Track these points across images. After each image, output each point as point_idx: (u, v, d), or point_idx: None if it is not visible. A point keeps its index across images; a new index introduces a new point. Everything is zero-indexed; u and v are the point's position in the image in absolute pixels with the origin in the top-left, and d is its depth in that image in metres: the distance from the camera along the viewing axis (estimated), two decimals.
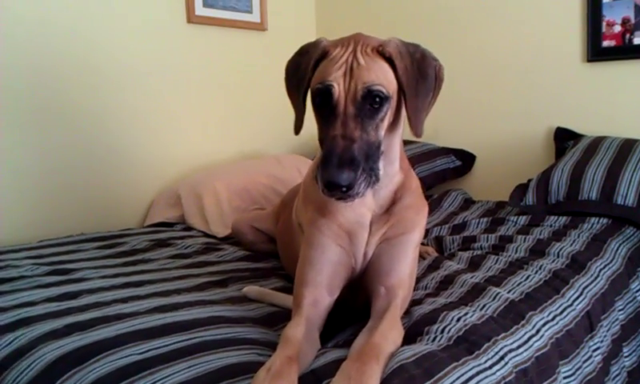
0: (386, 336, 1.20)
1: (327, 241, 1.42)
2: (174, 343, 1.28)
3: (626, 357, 1.84)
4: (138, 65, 2.93)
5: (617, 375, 1.75)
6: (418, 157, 3.04)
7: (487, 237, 2.16)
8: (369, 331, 1.25)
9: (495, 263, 1.85)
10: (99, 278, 1.83)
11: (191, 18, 3.13)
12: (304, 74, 1.35)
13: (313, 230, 1.44)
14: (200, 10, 3.16)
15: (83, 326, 1.38)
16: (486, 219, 2.46)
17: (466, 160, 3.18)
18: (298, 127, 1.49)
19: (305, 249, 1.45)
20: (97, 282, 1.78)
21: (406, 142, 3.12)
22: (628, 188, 2.30)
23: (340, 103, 1.25)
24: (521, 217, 2.41)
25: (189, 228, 2.68)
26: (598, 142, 2.56)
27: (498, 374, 1.22)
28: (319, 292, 1.37)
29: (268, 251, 2.19)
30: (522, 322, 1.42)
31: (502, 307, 1.46)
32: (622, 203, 2.30)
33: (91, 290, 1.68)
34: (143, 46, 2.95)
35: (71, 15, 2.67)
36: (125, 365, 1.19)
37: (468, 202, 2.91)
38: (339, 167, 1.17)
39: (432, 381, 1.10)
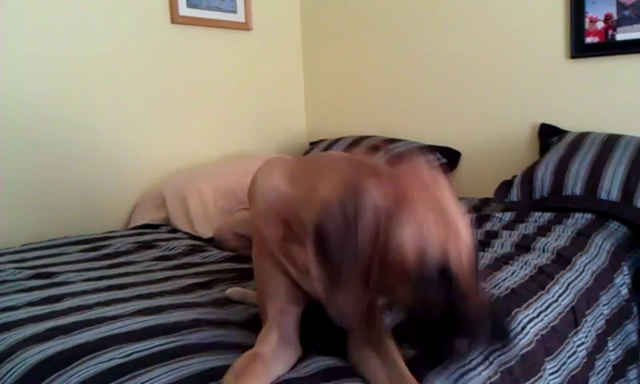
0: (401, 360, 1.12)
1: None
2: (157, 346, 1.27)
3: (611, 351, 1.84)
4: (120, 66, 2.91)
5: (602, 369, 1.75)
6: (404, 154, 3.03)
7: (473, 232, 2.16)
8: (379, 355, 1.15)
9: (481, 259, 1.85)
10: (82, 281, 1.81)
11: (175, 18, 3.11)
12: (368, 243, 1.05)
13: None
14: (184, 10, 3.14)
15: (65, 329, 1.37)
16: (470, 216, 2.46)
17: (451, 157, 3.18)
18: (356, 315, 1.08)
19: (256, 262, 1.41)
20: (80, 285, 1.77)
21: (391, 140, 3.16)
22: (612, 183, 2.31)
23: (460, 273, 1.05)
24: (506, 213, 2.41)
25: (174, 230, 2.66)
26: (581, 137, 2.57)
27: (484, 374, 1.20)
28: (282, 304, 1.30)
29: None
30: (507, 320, 1.42)
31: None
32: (606, 198, 2.31)
33: (74, 294, 1.66)
34: (126, 47, 2.93)
35: (52, 16, 2.64)
36: (107, 368, 1.18)
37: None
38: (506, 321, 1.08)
39: None
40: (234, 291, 1.70)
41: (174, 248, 2.29)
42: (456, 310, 1.03)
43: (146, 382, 1.12)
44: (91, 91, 2.79)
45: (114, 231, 2.63)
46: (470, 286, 1.06)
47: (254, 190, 1.38)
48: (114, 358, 1.22)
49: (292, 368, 1.18)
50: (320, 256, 1.05)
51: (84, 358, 1.22)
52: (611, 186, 2.31)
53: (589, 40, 2.77)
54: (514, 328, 1.09)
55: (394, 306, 1.12)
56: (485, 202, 2.78)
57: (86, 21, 2.76)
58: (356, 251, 1.03)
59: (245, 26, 3.48)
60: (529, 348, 1.38)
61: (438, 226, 1.04)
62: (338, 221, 1.04)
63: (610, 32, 2.72)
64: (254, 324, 1.47)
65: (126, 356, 1.23)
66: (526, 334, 1.41)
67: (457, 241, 1.05)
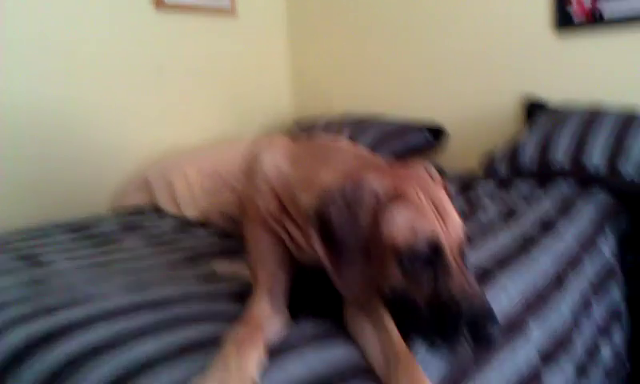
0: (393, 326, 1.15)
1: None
2: (144, 320, 1.28)
3: (595, 312, 1.86)
4: (105, 52, 2.89)
5: (586, 329, 1.77)
6: (390, 132, 3.04)
7: (458, 203, 2.18)
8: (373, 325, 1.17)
9: (466, 228, 1.86)
10: (68, 262, 1.81)
11: (159, 4, 3.09)
12: (369, 227, 1.13)
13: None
14: None
15: (51, 308, 1.37)
16: (457, 188, 2.48)
17: (438, 134, 3.18)
18: (363, 291, 1.15)
19: (248, 229, 1.45)
20: (65, 265, 1.76)
21: (379, 117, 3.16)
22: (596, 152, 2.32)
23: (448, 255, 1.12)
24: (491, 184, 2.42)
25: (160, 212, 2.65)
26: (566, 109, 2.58)
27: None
28: (274, 269, 1.36)
29: (242, 235, 2.18)
30: (491, 283, 1.43)
31: (472, 271, 1.47)
32: (591, 168, 2.32)
33: (59, 274, 1.66)
34: (111, 33, 2.91)
35: (36, 1, 2.62)
36: (94, 343, 1.19)
37: (440, 173, 2.91)
38: (495, 324, 1.08)
39: None
40: (221, 265, 1.71)
41: (160, 228, 2.29)
42: (442, 291, 1.09)
43: (133, 353, 1.13)
44: (76, 77, 2.77)
45: (99, 215, 2.62)
46: (457, 267, 1.12)
47: (255, 163, 1.44)
48: (100, 333, 1.22)
49: (281, 333, 1.20)
50: (323, 239, 1.13)
51: (70, 335, 1.22)
52: (596, 155, 2.32)
53: (574, 14, 2.77)
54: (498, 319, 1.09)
55: (385, 288, 1.14)
56: (472, 175, 2.78)
57: (71, 6, 2.74)
58: (357, 232, 1.11)
59: (230, 11, 3.46)
60: (513, 310, 1.40)
61: (430, 210, 1.13)
62: (340, 206, 1.13)
63: (595, 4, 2.71)
64: (242, 295, 1.47)
65: (113, 331, 1.23)
66: (509, 297, 1.42)
67: (447, 225, 1.13)
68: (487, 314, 1.08)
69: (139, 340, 1.18)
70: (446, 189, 1.27)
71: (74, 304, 1.39)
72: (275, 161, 1.40)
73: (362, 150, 1.48)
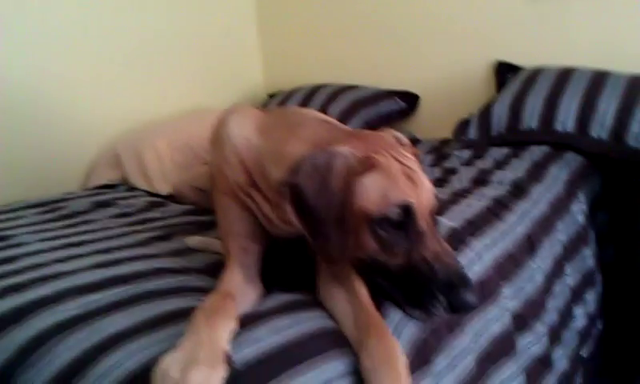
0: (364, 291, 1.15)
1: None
2: (114, 295, 1.27)
3: (568, 276, 1.88)
4: (69, 23, 2.83)
5: (560, 293, 1.79)
6: (362, 101, 3.03)
7: (431, 170, 2.18)
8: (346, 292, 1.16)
9: (439, 194, 1.86)
10: (38, 242, 1.77)
11: None
12: (342, 194, 1.10)
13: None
14: None
15: (20, 286, 1.35)
16: (431, 156, 2.48)
17: (411, 101, 3.17)
18: (342, 255, 1.13)
19: (218, 200, 1.43)
20: (36, 245, 1.73)
21: (350, 87, 3.15)
22: (567, 115, 2.32)
23: (421, 220, 1.12)
24: (465, 151, 2.43)
25: (131, 188, 2.63)
26: (536, 72, 2.58)
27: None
28: (245, 241, 1.34)
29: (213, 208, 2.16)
30: (463, 247, 1.44)
31: (444, 235, 1.47)
32: (562, 130, 2.33)
33: (29, 253, 1.63)
34: (75, 3, 2.84)
35: None
36: (63, 319, 1.18)
37: (413, 142, 2.91)
38: (472, 289, 1.08)
39: None
40: (193, 240, 1.69)
41: (132, 205, 2.27)
42: (416, 256, 1.10)
43: (103, 328, 1.12)
44: (39, 49, 2.71)
45: (70, 192, 2.58)
46: (430, 232, 1.12)
47: (223, 133, 1.40)
48: (69, 309, 1.21)
49: (254, 304, 1.20)
50: (298, 210, 1.12)
51: (38, 311, 1.21)
52: (567, 118, 2.33)
53: None
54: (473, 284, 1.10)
55: (359, 256, 1.14)
56: (445, 142, 2.78)
57: None
58: (330, 202, 1.10)
59: None
60: (485, 274, 1.41)
61: (402, 176, 1.13)
62: (312, 175, 1.11)
63: None
64: (214, 270, 1.47)
65: (83, 306, 1.22)
66: (481, 260, 1.43)
67: (418, 190, 1.13)
68: (462, 278, 1.09)
69: (109, 315, 1.17)
70: (416, 155, 1.26)
71: (44, 281, 1.37)
72: (244, 132, 1.37)
73: (332, 119, 1.47)
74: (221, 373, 0.89)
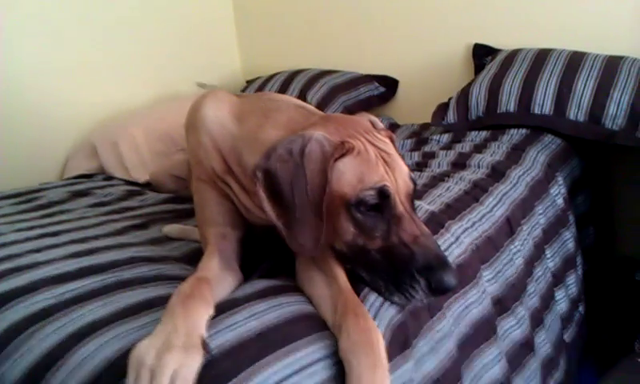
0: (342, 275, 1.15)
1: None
2: (90, 284, 1.26)
3: (549, 259, 1.89)
4: (42, 12, 2.79)
5: (541, 276, 1.79)
6: (341, 86, 3.02)
7: (411, 155, 2.18)
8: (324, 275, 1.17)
9: (418, 179, 1.86)
10: (13, 232, 1.74)
11: None
12: (317, 179, 1.09)
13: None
14: None
15: None
16: (410, 141, 2.48)
17: (390, 86, 3.17)
18: (316, 244, 1.10)
19: (195, 187, 1.43)
20: (10, 236, 1.70)
21: (329, 72, 3.13)
22: (544, 97, 2.33)
23: (397, 202, 1.12)
24: (444, 135, 2.43)
25: (109, 177, 2.60)
26: (513, 54, 2.58)
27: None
28: (223, 228, 1.33)
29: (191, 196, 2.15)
30: (442, 231, 1.44)
31: (423, 219, 1.46)
32: (540, 112, 2.34)
33: (4, 244, 1.60)
34: None
35: None
36: (38, 309, 1.16)
37: (393, 127, 2.92)
38: (451, 270, 1.08)
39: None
40: (171, 228, 1.68)
41: (109, 194, 2.24)
42: (394, 239, 1.10)
43: (78, 317, 1.10)
44: (11, 40, 2.67)
45: (47, 183, 2.55)
46: (407, 215, 1.12)
47: (198, 119, 1.38)
48: (44, 299, 1.20)
49: (233, 291, 1.19)
50: (272, 197, 1.10)
51: (12, 302, 1.19)
52: (544, 100, 2.33)
53: None
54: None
55: (337, 241, 1.14)
56: (424, 127, 2.78)
57: None
58: (305, 188, 1.08)
59: None
60: (463, 256, 1.41)
61: (377, 160, 1.13)
62: (287, 161, 1.10)
63: None
64: (192, 258, 1.46)
65: (58, 296, 1.21)
66: (460, 244, 1.43)
67: (394, 174, 1.13)
68: (441, 260, 1.09)
69: (85, 304, 1.16)
70: (391, 139, 1.26)
71: (19, 272, 1.35)
72: (219, 117, 1.36)
73: (307, 105, 1.46)
74: (197, 358, 0.88)
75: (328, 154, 1.10)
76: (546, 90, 2.33)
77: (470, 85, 2.56)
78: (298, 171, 1.09)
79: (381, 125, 1.32)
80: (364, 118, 1.31)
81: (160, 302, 1.12)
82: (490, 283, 1.48)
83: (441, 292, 1.08)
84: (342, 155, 1.11)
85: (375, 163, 1.13)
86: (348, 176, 1.11)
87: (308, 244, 1.09)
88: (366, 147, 1.14)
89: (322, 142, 1.11)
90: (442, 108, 2.59)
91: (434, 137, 2.42)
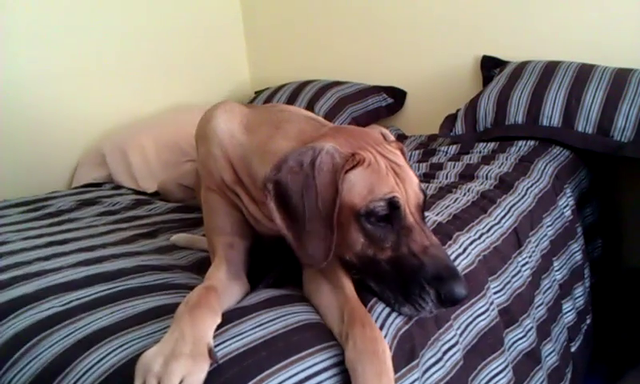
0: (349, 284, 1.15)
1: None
2: (98, 292, 1.26)
3: (556, 271, 1.88)
4: (54, 21, 2.80)
5: (548, 288, 1.79)
6: (350, 97, 3.03)
7: (418, 166, 2.18)
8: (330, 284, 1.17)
9: (425, 190, 1.86)
10: (21, 240, 1.76)
11: None
12: (327, 190, 1.09)
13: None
14: None
15: (2, 285, 1.33)
16: (418, 152, 2.48)
17: (398, 97, 3.17)
18: (326, 255, 1.09)
19: (204, 196, 1.43)
20: (19, 243, 1.71)
21: (337, 83, 3.14)
22: (552, 109, 2.33)
23: (407, 213, 1.13)
24: (451, 146, 2.43)
25: (117, 186, 2.61)
26: (522, 66, 2.58)
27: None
28: (231, 238, 1.33)
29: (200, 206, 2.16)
30: (449, 243, 1.43)
31: (430, 230, 1.46)
32: (548, 124, 2.34)
33: (12, 252, 1.62)
34: (59, 1, 2.82)
35: None
36: (45, 317, 1.16)
37: (401, 138, 2.92)
38: (461, 281, 1.08)
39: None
40: (179, 237, 1.69)
41: (117, 203, 2.25)
42: (404, 250, 1.10)
43: (85, 325, 1.10)
44: (23, 48, 2.69)
45: (55, 191, 2.56)
46: (417, 226, 1.12)
47: (209, 129, 1.39)
48: (52, 307, 1.20)
49: (240, 301, 1.19)
50: (282, 208, 1.10)
51: (20, 310, 1.20)
52: (552, 112, 2.33)
53: None
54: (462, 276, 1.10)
55: (347, 252, 1.14)
56: (432, 138, 2.78)
57: None
58: (316, 200, 1.08)
59: None
60: (471, 268, 1.40)
61: (387, 171, 1.13)
62: (296, 173, 1.10)
63: None
64: (200, 267, 1.46)
65: (65, 304, 1.21)
66: (468, 255, 1.43)
67: (404, 185, 1.14)
68: (450, 271, 1.09)
69: (92, 312, 1.16)
70: (402, 151, 1.26)
71: (27, 280, 1.35)
72: (229, 128, 1.37)
73: (317, 116, 1.46)
74: (204, 366, 0.88)
75: (339, 166, 1.10)
76: (554, 102, 2.33)
77: (478, 96, 2.56)
78: (308, 183, 1.09)
79: (392, 137, 1.33)
80: (375, 130, 1.32)
81: (167, 311, 1.11)
82: (497, 295, 1.47)
83: (451, 303, 1.08)
84: (353, 167, 1.12)
85: (385, 174, 1.13)
86: (358, 187, 1.11)
87: (318, 255, 1.09)
88: (377, 159, 1.15)
89: (332, 154, 1.11)
90: (450, 119, 2.59)
91: (442, 148, 2.42)
